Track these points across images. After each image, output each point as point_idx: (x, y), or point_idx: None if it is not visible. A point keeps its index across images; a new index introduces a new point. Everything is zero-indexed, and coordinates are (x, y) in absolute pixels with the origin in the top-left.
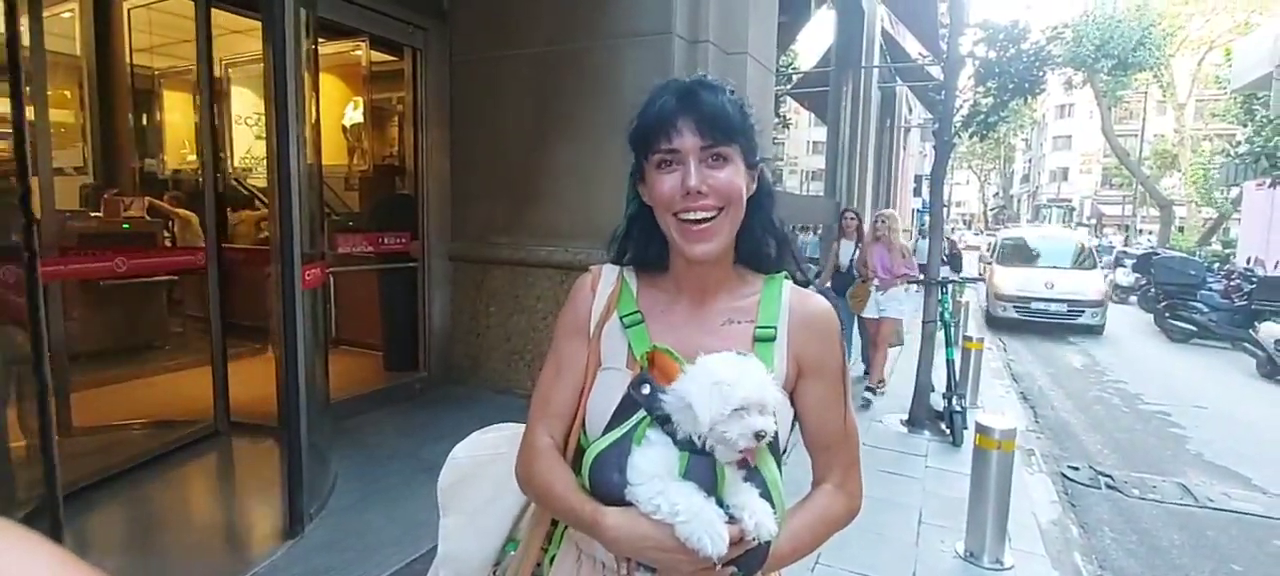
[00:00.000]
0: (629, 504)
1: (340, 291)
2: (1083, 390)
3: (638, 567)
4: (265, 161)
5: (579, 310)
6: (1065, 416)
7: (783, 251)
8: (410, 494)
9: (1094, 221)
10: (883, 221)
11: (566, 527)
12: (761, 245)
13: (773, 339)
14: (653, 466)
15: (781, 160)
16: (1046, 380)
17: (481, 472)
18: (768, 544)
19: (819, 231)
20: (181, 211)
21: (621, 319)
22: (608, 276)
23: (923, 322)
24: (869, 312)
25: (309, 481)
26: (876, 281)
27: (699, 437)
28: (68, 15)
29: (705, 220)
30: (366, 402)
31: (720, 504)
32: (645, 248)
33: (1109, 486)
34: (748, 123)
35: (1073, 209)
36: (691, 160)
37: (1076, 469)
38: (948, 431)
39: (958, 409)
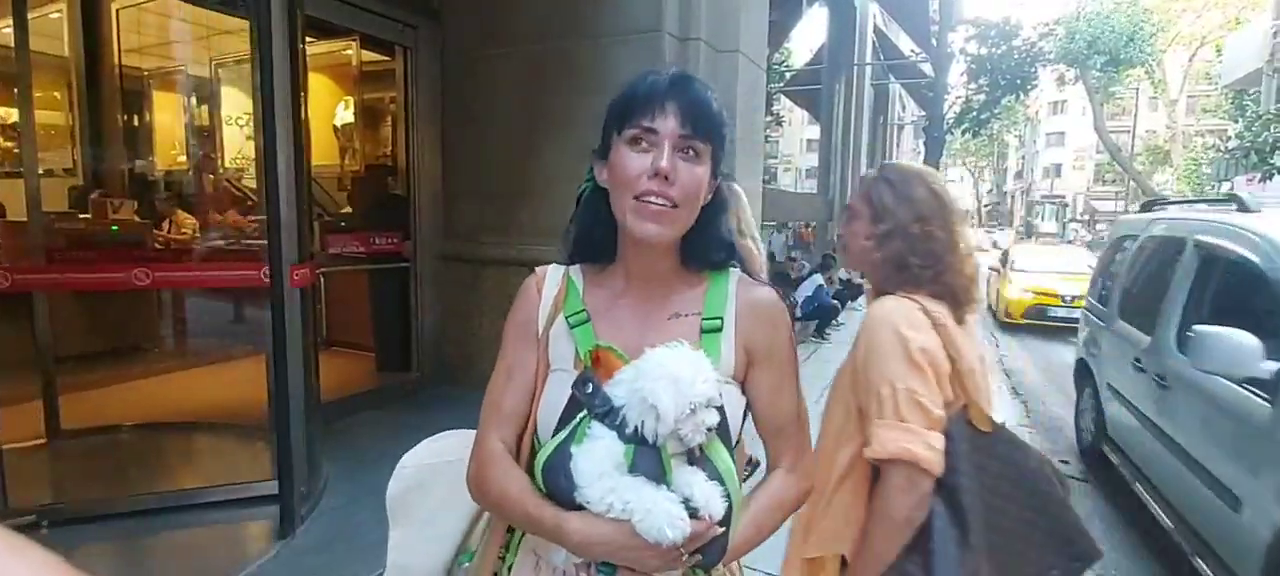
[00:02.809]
0: (582, 507)
1: (331, 292)
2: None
3: (598, 570)
4: (255, 162)
5: (526, 313)
6: (1057, 411)
7: (729, 258)
8: None
9: (1088, 217)
10: None
11: (523, 534)
12: (708, 252)
13: (719, 330)
14: (596, 465)
15: (775, 158)
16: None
17: (431, 481)
18: (726, 533)
19: (810, 227)
20: (181, 214)
21: (567, 319)
22: (553, 277)
23: None
24: None
25: (300, 482)
26: None
27: (654, 435)
28: (56, 15)
29: (663, 205)
30: (358, 403)
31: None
32: (592, 232)
33: (1101, 481)
34: (724, 129)
35: (1066, 205)
36: (666, 144)
37: (1067, 463)
38: None
39: None
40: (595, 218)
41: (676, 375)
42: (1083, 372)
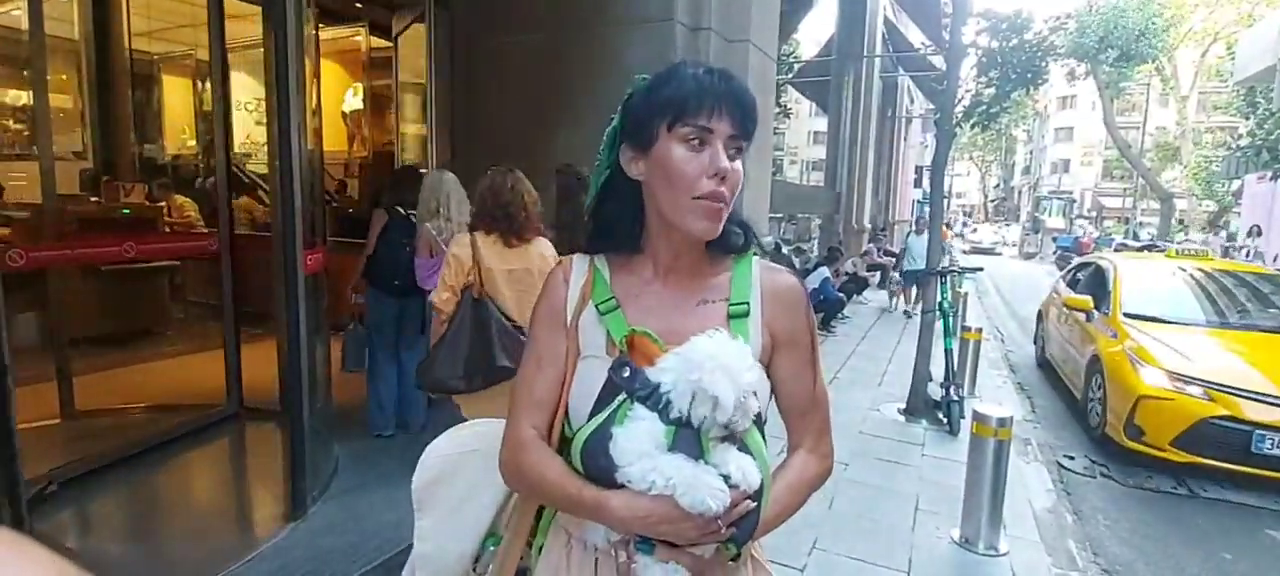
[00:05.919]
0: (623, 486)
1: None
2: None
3: (636, 548)
4: (266, 147)
5: (554, 302)
6: (1062, 406)
7: (748, 237)
8: (411, 478)
9: (1095, 214)
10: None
11: (553, 517)
12: (729, 234)
13: (746, 315)
14: (637, 444)
15: (782, 150)
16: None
17: (457, 470)
18: (758, 508)
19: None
20: (180, 199)
21: (597, 306)
22: (579, 266)
23: (922, 312)
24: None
25: (311, 464)
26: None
27: (711, 423)
28: None
29: (720, 205)
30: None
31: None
32: (619, 223)
33: (1103, 475)
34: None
35: (1073, 201)
36: (718, 144)
37: (1072, 458)
38: (945, 420)
39: (955, 398)
40: (623, 207)
41: (728, 365)
42: None
